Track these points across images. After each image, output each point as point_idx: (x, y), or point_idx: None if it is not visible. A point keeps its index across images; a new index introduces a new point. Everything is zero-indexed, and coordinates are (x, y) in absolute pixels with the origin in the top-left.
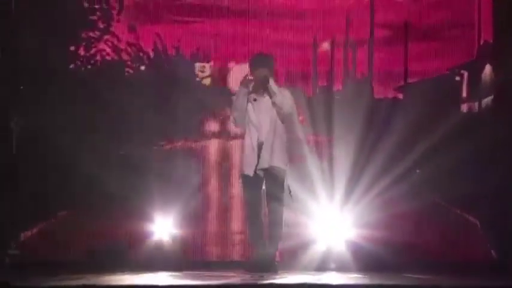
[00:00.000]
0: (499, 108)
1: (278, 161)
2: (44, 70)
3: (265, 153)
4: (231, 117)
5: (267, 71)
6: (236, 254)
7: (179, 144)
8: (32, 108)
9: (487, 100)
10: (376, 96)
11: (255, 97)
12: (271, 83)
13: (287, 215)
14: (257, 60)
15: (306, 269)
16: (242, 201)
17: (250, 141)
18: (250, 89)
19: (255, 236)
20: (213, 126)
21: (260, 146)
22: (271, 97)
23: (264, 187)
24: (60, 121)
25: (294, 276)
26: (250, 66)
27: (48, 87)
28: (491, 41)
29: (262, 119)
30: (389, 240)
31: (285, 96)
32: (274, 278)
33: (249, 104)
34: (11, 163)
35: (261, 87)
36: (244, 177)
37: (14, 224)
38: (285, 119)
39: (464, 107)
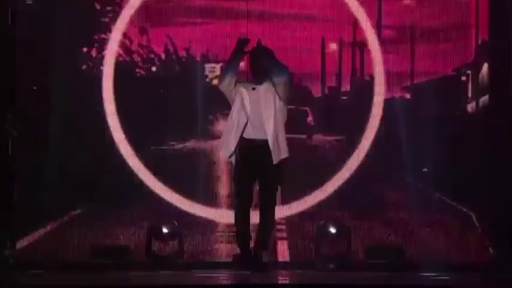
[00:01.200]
0: (495, 106)
1: (285, 151)
2: (48, 71)
3: (275, 150)
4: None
5: (265, 59)
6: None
7: (189, 144)
8: (33, 108)
9: (484, 99)
10: (384, 96)
11: (253, 86)
12: (263, 61)
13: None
14: (254, 52)
15: (303, 268)
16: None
17: (235, 132)
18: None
19: (245, 234)
20: (223, 126)
21: (260, 140)
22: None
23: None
24: (63, 121)
25: (292, 276)
26: (249, 59)
27: (51, 87)
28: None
29: (260, 110)
30: (389, 240)
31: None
32: (271, 278)
33: (245, 93)
34: (11, 164)
35: (261, 76)
36: (237, 171)
37: (17, 225)
38: (281, 87)
39: (469, 106)
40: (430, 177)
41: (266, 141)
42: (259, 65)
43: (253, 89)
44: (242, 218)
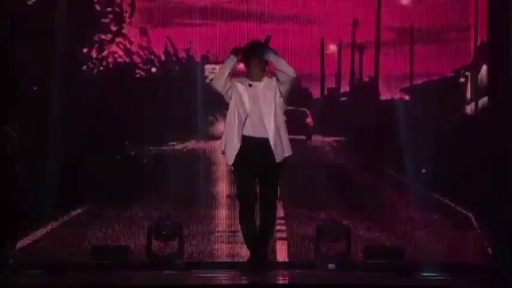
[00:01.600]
0: (495, 107)
1: (288, 150)
2: (48, 71)
3: (277, 148)
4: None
5: (261, 55)
6: (237, 254)
7: (189, 144)
8: (33, 108)
9: (483, 100)
10: (382, 97)
11: (250, 82)
12: (269, 52)
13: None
14: (250, 47)
15: (303, 268)
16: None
17: (237, 129)
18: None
19: (250, 235)
20: (222, 126)
21: (261, 139)
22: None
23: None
24: (63, 121)
25: (292, 276)
26: (244, 54)
27: (51, 87)
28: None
29: (259, 108)
30: (388, 240)
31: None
32: (271, 278)
33: (243, 89)
34: (11, 164)
35: (258, 72)
36: (238, 169)
37: (17, 225)
38: (286, 86)
39: (468, 108)
40: (430, 178)
41: (266, 139)
42: (261, 60)
43: (250, 85)
44: (247, 218)
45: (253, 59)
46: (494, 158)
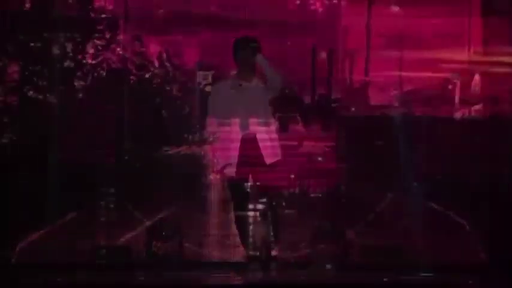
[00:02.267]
0: (488, 114)
1: (278, 153)
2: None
3: (266, 149)
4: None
5: (251, 52)
6: (236, 254)
7: (184, 148)
8: (33, 109)
9: (479, 105)
10: (373, 103)
11: (240, 82)
12: (260, 58)
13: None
14: (240, 43)
15: (303, 268)
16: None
17: (230, 131)
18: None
19: (245, 235)
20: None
21: (251, 139)
22: (264, 72)
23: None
24: (63, 122)
25: (290, 276)
26: (234, 50)
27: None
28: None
29: (250, 108)
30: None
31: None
32: (269, 278)
33: (233, 91)
34: (11, 163)
35: (247, 71)
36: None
37: (17, 225)
38: (274, 93)
39: (463, 113)
40: (428, 179)
41: (256, 140)
42: (252, 57)
43: (240, 85)
44: (241, 219)
45: (244, 51)
46: (491, 159)
